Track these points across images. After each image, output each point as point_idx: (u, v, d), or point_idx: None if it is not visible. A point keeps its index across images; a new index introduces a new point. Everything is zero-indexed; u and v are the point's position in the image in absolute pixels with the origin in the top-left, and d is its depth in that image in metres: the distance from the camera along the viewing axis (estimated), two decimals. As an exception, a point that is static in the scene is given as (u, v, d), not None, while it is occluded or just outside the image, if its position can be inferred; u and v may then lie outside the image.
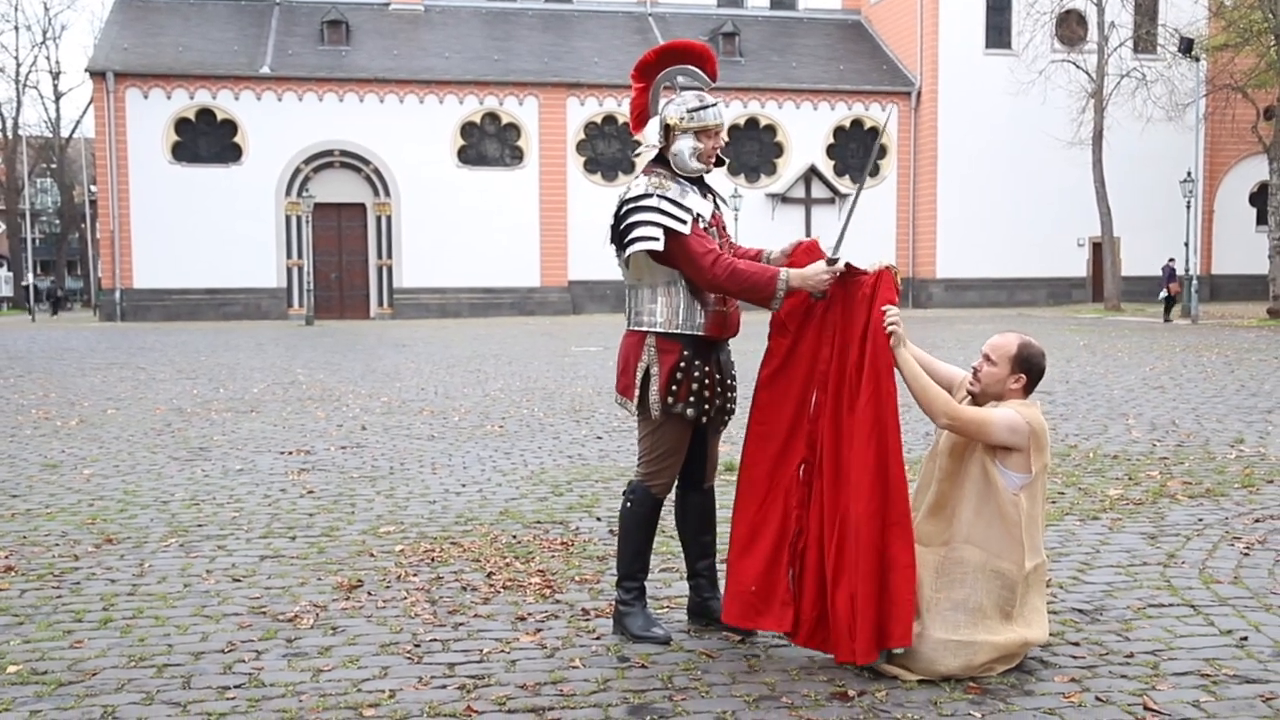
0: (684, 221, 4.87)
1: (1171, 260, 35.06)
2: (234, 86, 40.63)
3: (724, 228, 5.16)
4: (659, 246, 4.86)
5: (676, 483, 5.21)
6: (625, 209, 4.96)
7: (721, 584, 5.17)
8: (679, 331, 4.97)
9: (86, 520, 7.51)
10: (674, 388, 4.94)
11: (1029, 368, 4.71)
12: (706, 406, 5.00)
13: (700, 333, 4.97)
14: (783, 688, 4.44)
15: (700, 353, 4.98)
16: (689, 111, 4.99)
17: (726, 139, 5.23)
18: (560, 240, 42.59)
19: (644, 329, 5.01)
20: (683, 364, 4.95)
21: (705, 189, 5.12)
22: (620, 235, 4.98)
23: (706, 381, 4.98)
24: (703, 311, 4.97)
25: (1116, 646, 4.85)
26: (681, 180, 5.01)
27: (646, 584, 5.24)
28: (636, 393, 5.00)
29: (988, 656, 4.47)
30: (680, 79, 5.17)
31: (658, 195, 4.91)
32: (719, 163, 5.14)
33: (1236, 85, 38.78)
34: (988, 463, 4.61)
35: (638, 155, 5.16)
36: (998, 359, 4.71)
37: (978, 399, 4.76)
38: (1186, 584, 5.76)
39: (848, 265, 4.74)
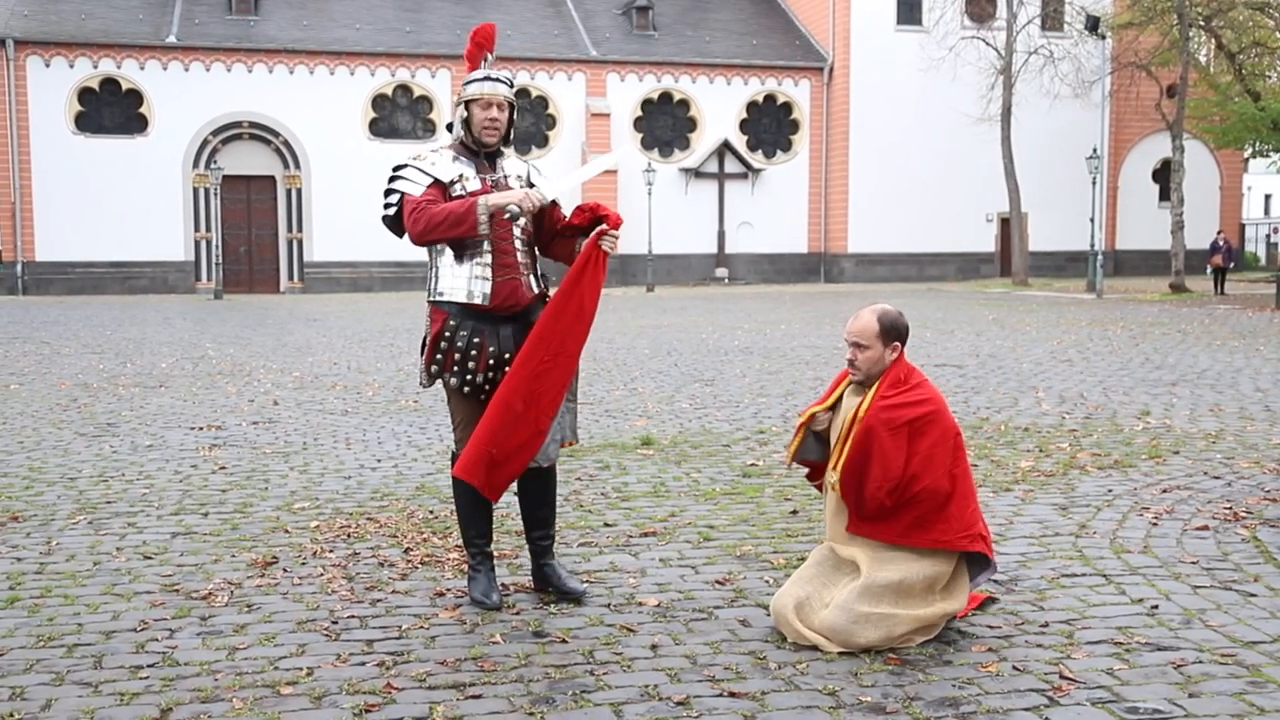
0: (417, 184, 4.99)
1: (1220, 232, 35.99)
2: (139, 56, 39.75)
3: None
4: (392, 212, 5.02)
5: None
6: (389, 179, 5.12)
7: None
8: (443, 299, 5.05)
9: (-10, 498, 7.34)
10: (438, 356, 5.03)
11: (898, 332, 4.72)
12: (470, 378, 5.02)
13: (464, 300, 5.01)
14: (704, 660, 4.45)
15: (468, 323, 5.01)
16: (463, 85, 5.14)
17: (499, 116, 5.10)
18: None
19: (427, 297, 5.12)
20: (447, 333, 5.01)
21: (491, 163, 5.14)
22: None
23: (474, 353, 5.00)
24: (471, 280, 5.02)
25: (1032, 616, 4.91)
26: (462, 153, 5.10)
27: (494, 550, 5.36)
28: (421, 360, 5.14)
29: (907, 628, 4.52)
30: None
31: (410, 164, 5.06)
32: (505, 140, 5.19)
33: (1141, 63, 39.41)
34: None
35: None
36: (868, 341, 4.69)
37: (864, 382, 4.77)
38: (1098, 554, 5.86)
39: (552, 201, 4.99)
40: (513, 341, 5.06)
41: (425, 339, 5.10)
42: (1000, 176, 40.42)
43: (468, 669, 4.36)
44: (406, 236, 5.03)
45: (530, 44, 42.14)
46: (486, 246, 5.01)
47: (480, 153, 5.15)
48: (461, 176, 5.07)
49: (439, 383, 5.12)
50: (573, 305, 4.90)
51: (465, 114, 5.10)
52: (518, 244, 5.09)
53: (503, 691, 4.15)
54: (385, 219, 5.13)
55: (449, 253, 5.03)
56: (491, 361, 5.03)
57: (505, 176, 5.17)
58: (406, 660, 4.46)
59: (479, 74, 5.11)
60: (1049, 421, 10.10)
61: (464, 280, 5.01)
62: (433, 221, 4.88)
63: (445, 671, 4.34)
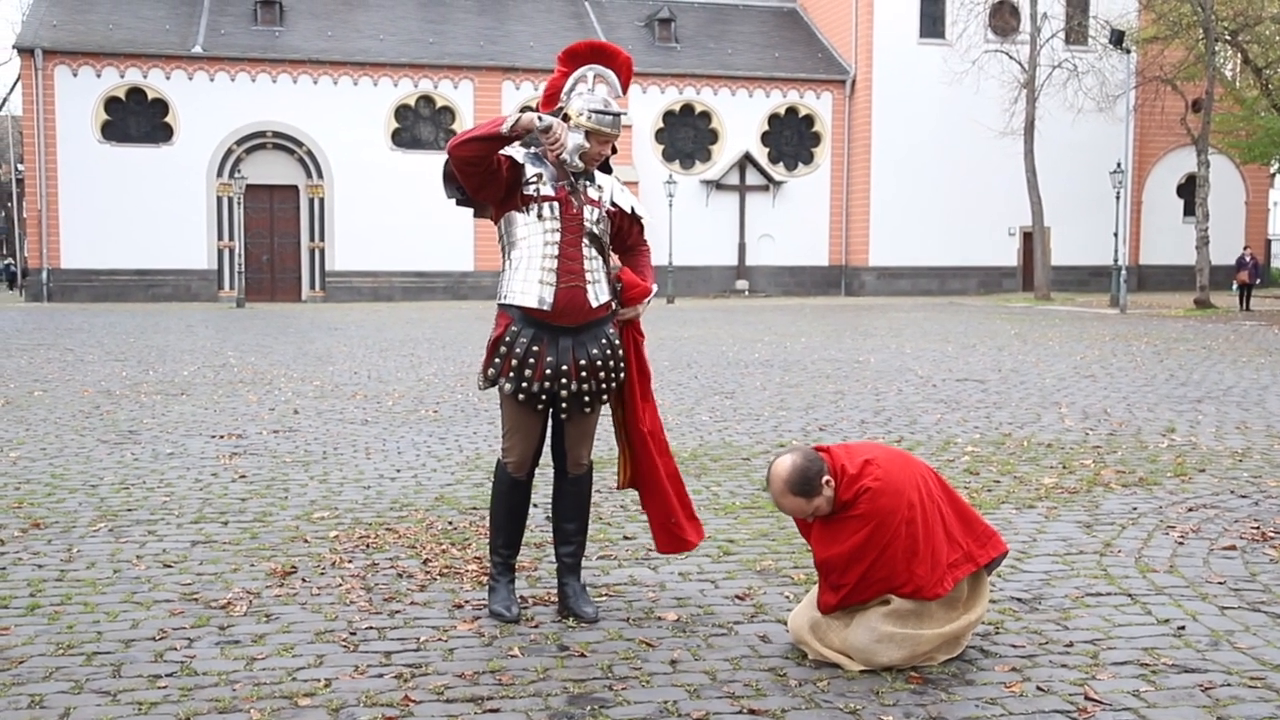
0: None
1: (1246, 248, 36.01)
2: (165, 66, 40.02)
3: (577, 211, 4.99)
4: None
5: (553, 465, 5.32)
6: None
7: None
8: (508, 302, 5.01)
9: (13, 504, 7.34)
10: (497, 359, 4.99)
11: (813, 477, 4.49)
12: (526, 385, 4.96)
13: (532, 305, 4.94)
14: (724, 676, 4.40)
15: (529, 329, 4.96)
16: (592, 111, 4.97)
17: (616, 149, 5.16)
18: (493, 224, 42.28)
19: (497, 299, 5.10)
20: (507, 337, 4.97)
21: (574, 179, 5.03)
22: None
23: (532, 361, 4.94)
24: (540, 286, 4.94)
25: (1056, 636, 4.86)
26: (545, 163, 5.01)
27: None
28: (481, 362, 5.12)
29: (930, 646, 4.46)
30: (595, 77, 5.13)
31: None
32: (605, 169, 5.17)
33: (1166, 78, 39.30)
34: None
35: None
36: (807, 510, 4.53)
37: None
38: (1123, 573, 5.79)
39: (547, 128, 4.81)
40: (571, 355, 4.97)
41: (489, 338, 5.07)
42: (1023, 190, 40.33)
43: (486, 682, 4.33)
44: (458, 193, 5.04)
45: (552, 55, 41.72)
46: (554, 251, 4.95)
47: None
48: (540, 177, 4.99)
49: (495, 387, 5.10)
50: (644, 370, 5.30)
51: (582, 143, 4.94)
52: (586, 252, 5.01)
53: (521, 705, 4.11)
54: (444, 166, 5.02)
55: (519, 255, 4.97)
56: (549, 371, 4.95)
57: (587, 186, 5.06)
58: (424, 672, 4.43)
59: (602, 106, 4.97)
60: (1072, 438, 10.03)
61: (533, 285, 4.94)
62: (466, 134, 4.80)
63: (463, 684, 4.31)
